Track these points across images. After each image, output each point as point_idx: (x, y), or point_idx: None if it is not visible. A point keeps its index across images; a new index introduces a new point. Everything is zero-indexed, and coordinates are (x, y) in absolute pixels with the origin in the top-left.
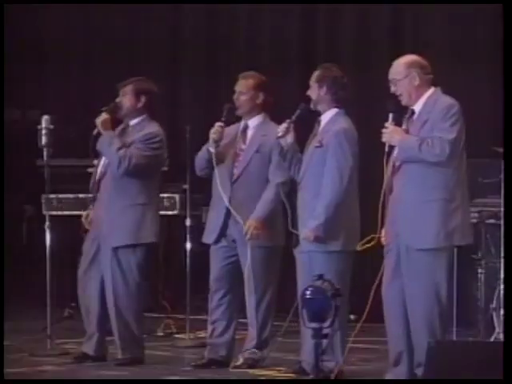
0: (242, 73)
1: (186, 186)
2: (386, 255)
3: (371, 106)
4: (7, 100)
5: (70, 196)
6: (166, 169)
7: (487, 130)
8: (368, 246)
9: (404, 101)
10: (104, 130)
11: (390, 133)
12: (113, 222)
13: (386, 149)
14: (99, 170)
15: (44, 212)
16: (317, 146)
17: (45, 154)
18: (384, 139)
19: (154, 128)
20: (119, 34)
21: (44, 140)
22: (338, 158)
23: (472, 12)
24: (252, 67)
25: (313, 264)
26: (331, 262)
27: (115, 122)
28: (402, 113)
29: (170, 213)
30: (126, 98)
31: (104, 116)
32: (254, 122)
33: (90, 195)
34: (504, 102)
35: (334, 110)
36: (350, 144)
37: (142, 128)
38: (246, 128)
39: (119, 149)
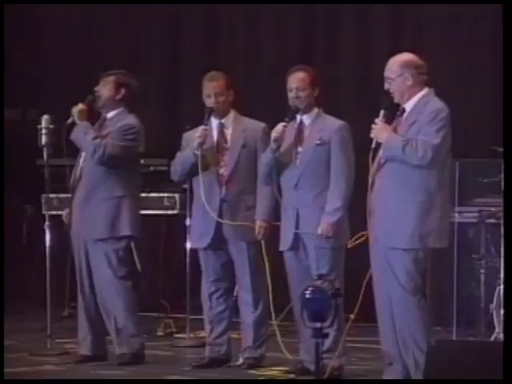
0: (206, 74)
1: (186, 186)
2: (372, 252)
3: (370, 107)
4: (7, 100)
5: (70, 196)
6: (165, 168)
7: (487, 130)
8: (357, 242)
9: (396, 99)
10: (79, 119)
11: (379, 129)
12: (90, 216)
13: (373, 145)
14: (79, 169)
15: (44, 212)
16: (318, 144)
17: (45, 153)
18: (372, 135)
19: (130, 120)
20: (119, 34)
21: (44, 140)
22: (344, 151)
23: (472, 12)
24: (251, 67)
25: (319, 261)
26: (338, 257)
27: (93, 116)
28: (394, 109)
29: (169, 212)
30: (105, 89)
31: (80, 106)
32: (228, 119)
33: (70, 195)
34: (504, 101)
35: (316, 110)
36: (350, 138)
37: (118, 120)
38: (222, 128)
39: (95, 138)
